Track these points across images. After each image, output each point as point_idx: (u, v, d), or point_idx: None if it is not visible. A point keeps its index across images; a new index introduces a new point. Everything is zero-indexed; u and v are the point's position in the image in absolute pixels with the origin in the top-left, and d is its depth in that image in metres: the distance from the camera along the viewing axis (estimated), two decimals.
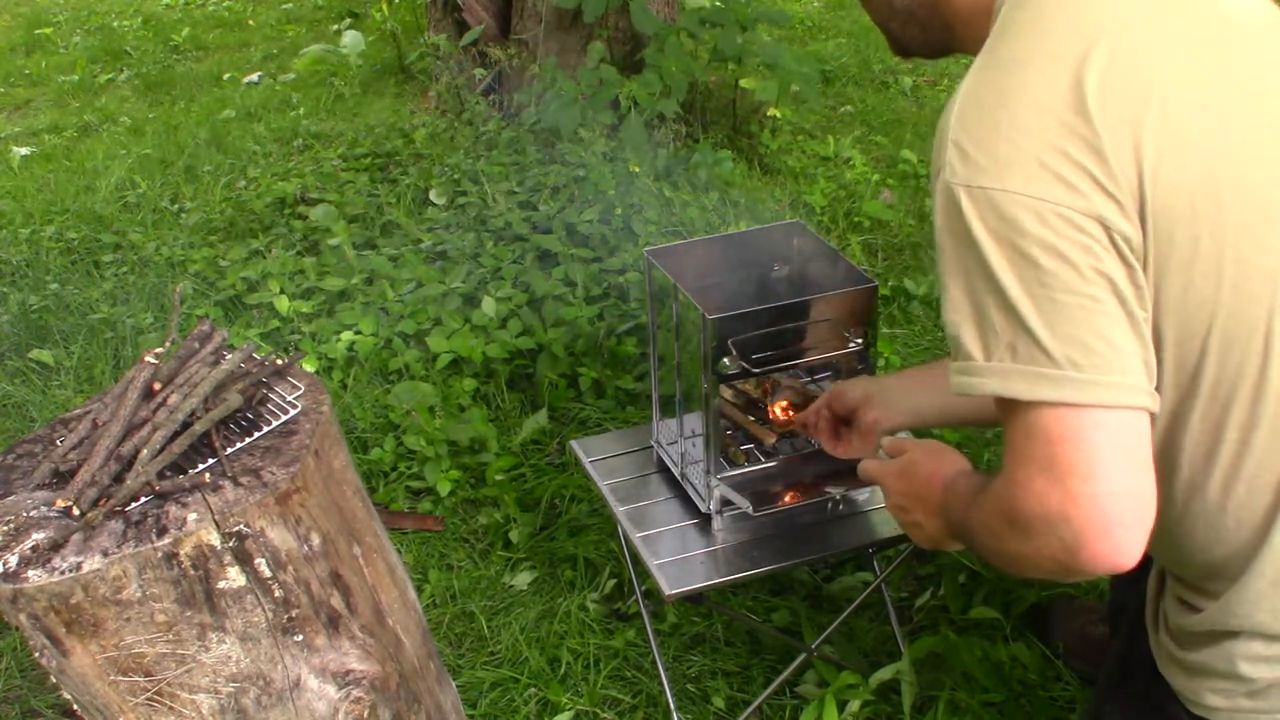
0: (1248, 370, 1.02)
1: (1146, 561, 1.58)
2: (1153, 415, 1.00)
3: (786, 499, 1.78)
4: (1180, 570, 1.19)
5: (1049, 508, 0.98)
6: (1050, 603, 2.05)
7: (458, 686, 1.86)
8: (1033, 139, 0.98)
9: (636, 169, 3.44)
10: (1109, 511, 0.97)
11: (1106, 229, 0.97)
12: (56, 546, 1.17)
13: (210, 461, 1.28)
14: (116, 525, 1.19)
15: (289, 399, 1.39)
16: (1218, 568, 1.12)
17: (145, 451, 1.24)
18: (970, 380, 1.03)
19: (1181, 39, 1.04)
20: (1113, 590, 1.83)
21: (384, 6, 5.53)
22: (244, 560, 1.23)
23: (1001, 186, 0.98)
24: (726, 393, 1.84)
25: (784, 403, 1.83)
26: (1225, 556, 1.11)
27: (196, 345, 1.43)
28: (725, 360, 1.63)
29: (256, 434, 1.33)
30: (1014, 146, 0.98)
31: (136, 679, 1.23)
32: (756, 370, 1.65)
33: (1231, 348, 1.02)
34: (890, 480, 1.40)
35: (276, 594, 1.27)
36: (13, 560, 1.16)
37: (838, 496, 1.77)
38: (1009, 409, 1.01)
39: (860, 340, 1.70)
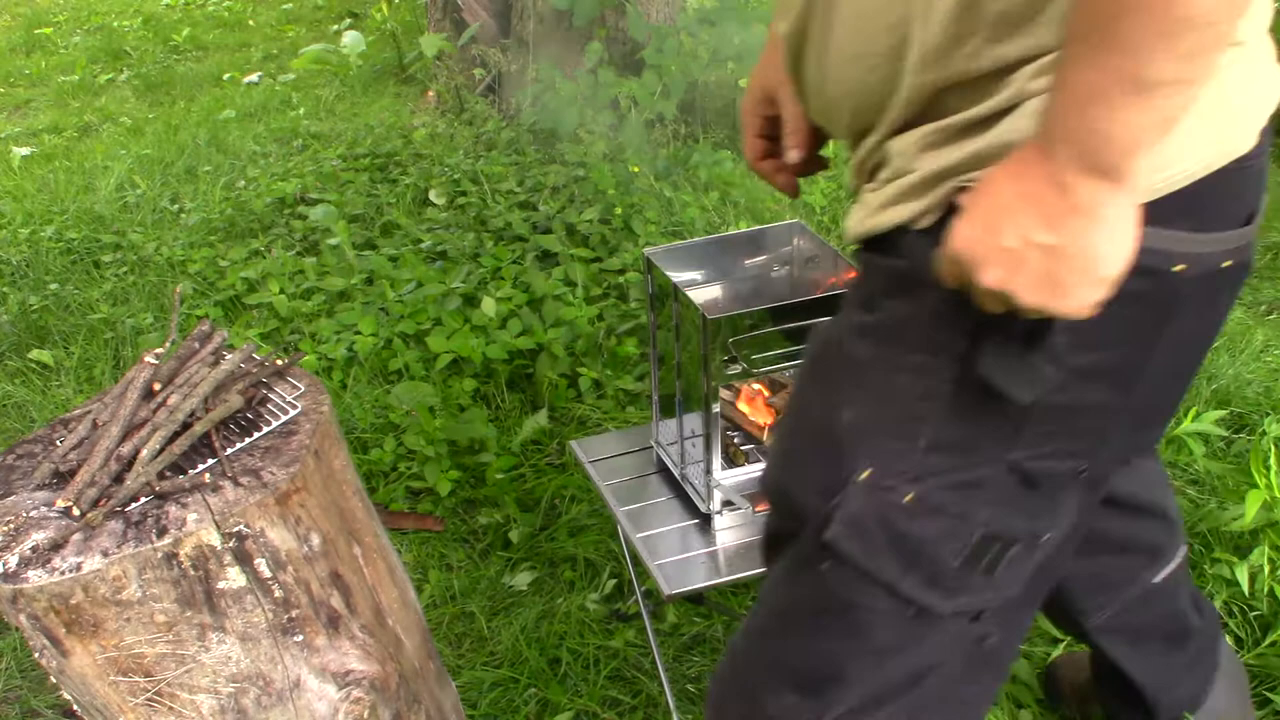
0: None
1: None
2: None
3: None
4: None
5: None
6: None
7: (458, 686, 1.86)
8: None
9: (636, 169, 3.44)
10: None
11: None
12: (56, 547, 1.17)
13: (210, 462, 1.28)
14: (116, 525, 1.19)
15: (289, 399, 1.39)
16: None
17: (145, 452, 1.24)
18: None
19: None
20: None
21: (384, 6, 5.54)
22: (244, 560, 1.23)
23: None
24: (726, 393, 1.84)
25: (761, 401, 1.82)
26: None
27: (196, 345, 1.43)
28: (725, 360, 1.63)
29: (256, 434, 1.33)
30: None
31: (136, 679, 1.23)
32: (756, 370, 1.65)
33: None
34: (973, 244, 0.90)
35: (276, 594, 1.27)
36: (13, 560, 1.16)
37: None
38: None
39: None
